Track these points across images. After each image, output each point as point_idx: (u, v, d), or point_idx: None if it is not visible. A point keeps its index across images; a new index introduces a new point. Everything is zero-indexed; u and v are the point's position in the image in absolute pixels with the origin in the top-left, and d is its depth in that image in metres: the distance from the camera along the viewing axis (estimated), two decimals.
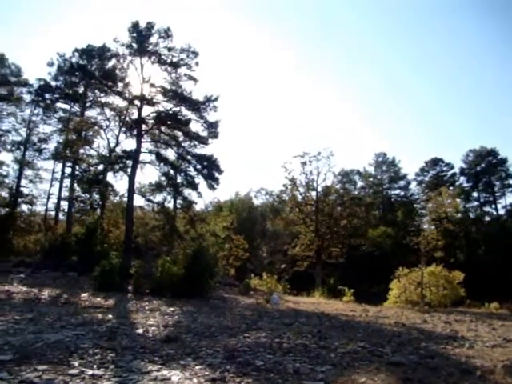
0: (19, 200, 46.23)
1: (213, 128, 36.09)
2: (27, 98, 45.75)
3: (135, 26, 33.96)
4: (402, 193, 77.28)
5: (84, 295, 17.78)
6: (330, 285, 39.61)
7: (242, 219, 61.18)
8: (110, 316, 12.14)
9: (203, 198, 39.11)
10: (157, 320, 11.78)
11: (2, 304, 13.75)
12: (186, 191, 38.10)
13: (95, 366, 6.16)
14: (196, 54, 35.04)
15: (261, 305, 20.72)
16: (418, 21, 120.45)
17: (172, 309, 14.90)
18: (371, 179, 78.23)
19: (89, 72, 38.13)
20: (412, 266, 32.67)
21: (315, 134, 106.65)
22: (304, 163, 47.71)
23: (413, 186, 76.79)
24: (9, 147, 46.46)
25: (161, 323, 11.12)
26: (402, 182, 77.22)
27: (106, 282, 20.11)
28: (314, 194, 48.73)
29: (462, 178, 73.24)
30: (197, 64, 35.15)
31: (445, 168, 74.30)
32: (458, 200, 56.21)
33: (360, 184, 78.30)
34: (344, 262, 47.47)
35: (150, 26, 34.14)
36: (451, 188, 62.70)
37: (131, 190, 33.68)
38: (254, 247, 57.24)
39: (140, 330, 9.81)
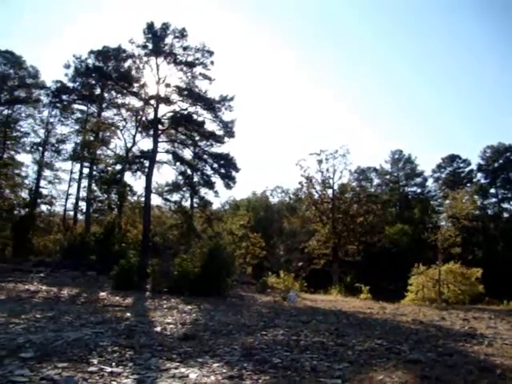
0: (38, 200, 46.86)
1: (228, 127, 36.17)
2: (45, 99, 46.34)
3: (150, 27, 34.17)
4: (419, 190, 76.59)
5: (103, 294, 17.98)
6: (346, 282, 39.51)
7: (259, 218, 61.19)
8: (129, 314, 12.25)
9: (219, 197, 39.31)
10: (175, 318, 11.86)
11: (23, 303, 13.96)
12: (203, 190, 38.34)
13: (114, 364, 6.23)
14: (211, 53, 35.19)
15: (278, 303, 20.74)
16: (418, 21, 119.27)
17: (189, 307, 14.97)
18: (387, 176, 77.71)
19: (105, 73, 38.41)
20: (429, 263, 32.40)
21: (324, 133, 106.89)
22: (320, 161, 47.57)
23: (429, 182, 76.16)
24: (28, 148, 47.18)
25: (178, 321, 11.20)
26: (418, 179, 76.56)
27: (125, 281, 20.31)
28: (330, 191, 48.59)
29: (480, 175, 72.34)
30: (212, 63, 35.33)
31: (462, 164, 73.48)
32: (476, 197, 55.63)
33: (376, 181, 77.96)
34: (361, 259, 47.26)
35: (165, 26, 34.34)
36: (468, 185, 62.14)
37: (148, 190, 33.93)
38: (271, 245, 57.18)
39: (158, 328, 9.89)
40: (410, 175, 76.34)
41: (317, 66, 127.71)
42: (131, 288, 19.82)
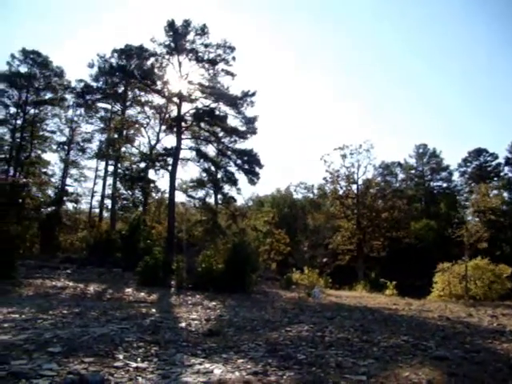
0: (65, 198, 47.51)
1: (251, 123, 36.18)
2: (70, 98, 46.96)
3: (171, 25, 34.30)
4: (445, 184, 75.34)
5: (128, 290, 18.18)
6: (372, 278, 39.23)
7: (283, 214, 61.21)
8: (154, 310, 12.36)
9: (242, 194, 39.45)
10: (199, 314, 11.92)
11: (50, 299, 14.20)
12: (226, 187, 38.42)
13: (139, 359, 6.27)
14: (232, 48, 35.23)
15: (302, 299, 20.70)
16: (429, 14, 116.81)
17: (214, 303, 15.05)
18: (412, 171, 76.67)
19: (128, 72, 38.66)
20: (456, 259, 31.97)
21: (343, 129, 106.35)
22: (344, 156, 47.46)
23: (455, 177, 74.88)
24: (54, 147, 47.85)
25: (203, 317, 11.25)
26: (444, 174, 75.35)
27: (150, 277, 20.50)
28: (354, 187, 48.45)
29: (507, 169, 70.67)
30: (233, 59, 35.38)
31: (489, 158, 72.06)
32: (503, 191, 54.71)
33: (401, 176, 77.01)
34: (386, 255, 46.86)
35: (186, 23, 34.45)
36: (496, 179, 61.08)
37: (172, 187, 34.15)
38: (296, 241, 57.02)
39: (183, 324, 9.94)
40: (435, 170, 75.15)
41: (324, 64, 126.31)
42: (156, 284, 19.99)
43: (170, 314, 11.91)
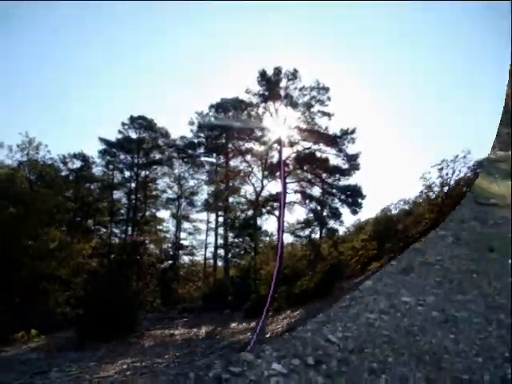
0: (180, 252, 49.51)
1: (353, 160, 35.94)
2: (176, 156, 49.58)
3: (263, 75, 35.41)
4: None
5: (233, 324, 18.75)
6: None
7: (379, 229, 59.34)
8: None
9: (345, 226, 38.95)
10: None
11: (167, 346, 15.04)
12: (331, 222, 38.16)
13: None
14: (326, 89, 35.41)
15: None
16: None
17: None
18: None
19: (227, 126, 40.22)
20: None
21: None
22: (441, 169, 45.50)
23: None
24: (166, 204, 50.50)
25: None
26: None
27: (255, 311, 20.89)
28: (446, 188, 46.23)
29: None
30: (329, 99, 35.49)
31: None
32: None
33: None
34: None
35: (277, 71, 35.37)
36: None
37: (281, 231, 34.40)
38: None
39: None
40: None
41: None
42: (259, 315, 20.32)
43: None
